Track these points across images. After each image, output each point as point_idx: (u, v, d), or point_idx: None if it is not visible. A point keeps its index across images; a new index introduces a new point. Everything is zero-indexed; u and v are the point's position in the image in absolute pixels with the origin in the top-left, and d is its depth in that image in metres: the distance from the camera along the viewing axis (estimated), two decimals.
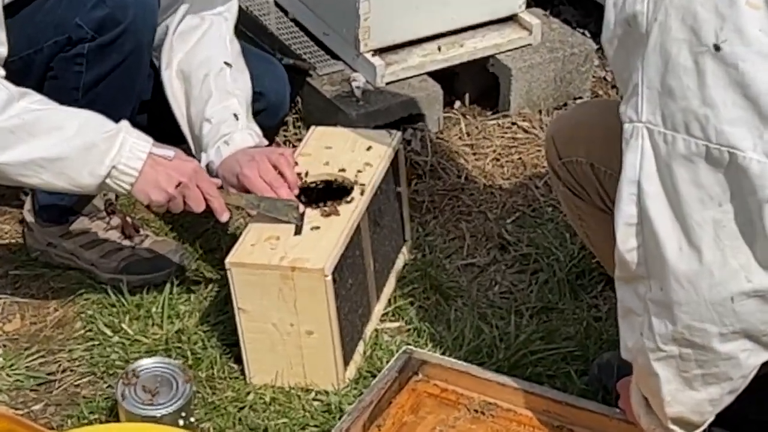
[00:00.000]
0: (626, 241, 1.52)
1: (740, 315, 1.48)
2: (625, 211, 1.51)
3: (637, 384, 1.69)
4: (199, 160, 2.18)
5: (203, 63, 2.26)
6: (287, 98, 2.48)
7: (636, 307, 1.57)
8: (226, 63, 2.26)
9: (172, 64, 2.27)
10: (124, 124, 2.01)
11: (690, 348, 1.53)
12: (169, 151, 2.03)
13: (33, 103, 1.95)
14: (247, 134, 2.20)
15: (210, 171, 2.16)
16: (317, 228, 2.06)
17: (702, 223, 1.45)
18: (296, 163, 2.20)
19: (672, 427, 1.65)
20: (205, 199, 2.06)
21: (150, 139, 2.02)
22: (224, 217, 2.09)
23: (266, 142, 2.23)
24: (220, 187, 2.11)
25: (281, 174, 2.13)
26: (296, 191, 2.14)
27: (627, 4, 1.46)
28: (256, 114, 2.31)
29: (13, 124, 1.92)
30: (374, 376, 2.07)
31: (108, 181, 1.97)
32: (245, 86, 2.28)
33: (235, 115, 2.20)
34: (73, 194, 2.12)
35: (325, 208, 2.11)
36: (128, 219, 2.42)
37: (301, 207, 2.11)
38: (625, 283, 1.58)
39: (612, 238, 1.54)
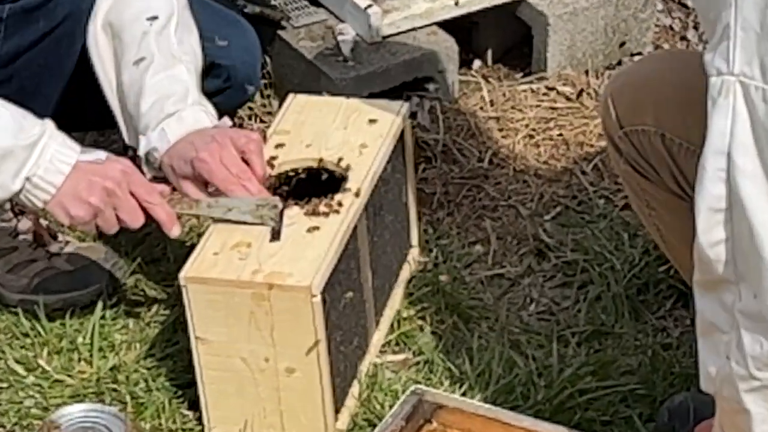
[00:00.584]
0: (710, 232, 1.52)
1: None
2: (710, 192, 1.50)
3: (722, 426, 1.69)
4: (135, 148, 2.18)
5: (139, 15, 2.24)
6: (258, 72, 2.47)
7: (721, 322, 1.57)
8: (169, 17, 2.25)
9: (98, 14, 2.26)
10: (49, 126, 2.01)
11: None
12: (100, 154, 2.03)
13: None
14: (201, 112, 2.19)
15: (151, 161, 2.16)
16: (304, 232, 2.06)
17: None
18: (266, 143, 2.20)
19: None
20: (144, 209, 2.06)
21: (77, 147, 2.02)
22: (174, 231, 2.09)
23: (229, 123, 2.22)
24: (173, 190, 2.11)
25: (247, 164, 2.12)
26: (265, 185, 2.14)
27: None
28: (215, 94, 2.30)
29: None
30: (373, 426, 2.06)
31: (20, 196, 2.00)
32: (194, 50, 2.27)
33: (186, 88, 2.20)
34: None
35: (311, 206, 2.11)
36: (42, 221, 2.43)
37: (279, 204, 2.11)
38: (707, 291, 1.57)
39: (691, 231, 1.54)
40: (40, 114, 2.06)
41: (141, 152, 2.15)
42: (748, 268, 1.51)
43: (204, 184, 2.12)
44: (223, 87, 2.36)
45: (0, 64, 2.13)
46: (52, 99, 2.04)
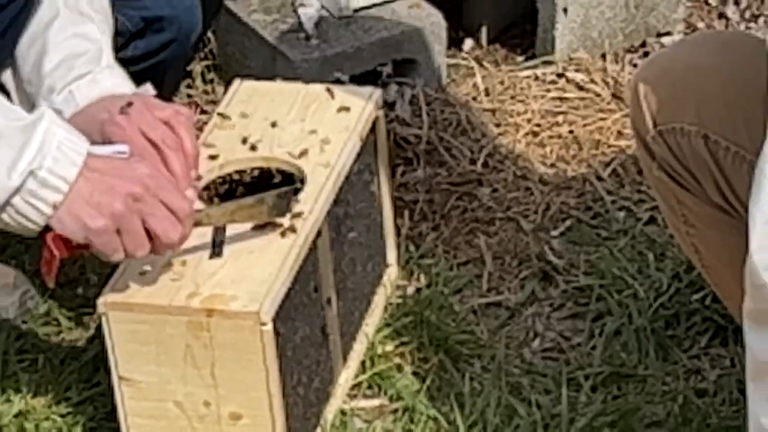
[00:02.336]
0: (767, 251, 1.53)
1: None
2: None
3: None
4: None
5: None
6: (199, 25, 2.45)
7: None
8: None
9: None
10: (45, 108, 1.95)
11: None
12: (119, 147, 1.99)
13: None
14: (119, 77, 2.18)
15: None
16: (251, 247, 2.06)
17: None
18: (199, 130, 2.20)
19: None
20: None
21: (82, 136, 1.95)
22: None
23: (152, 91, 2.21)
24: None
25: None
26: (196, 175, 2.13)
27: None
28: (154, 53, 2.30)
29: None
30: None
31: (16, 199, 1.90)
32: (106, 10, 2.26)
33: (99, 48, 2.20)
34: None
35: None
36: None
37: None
38: (760, 325, 1.58)
39: (738, 253, 1.55)
40: None
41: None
42: None
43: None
44: (163, 43, 2.35)
45: None
46: None
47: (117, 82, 2.15)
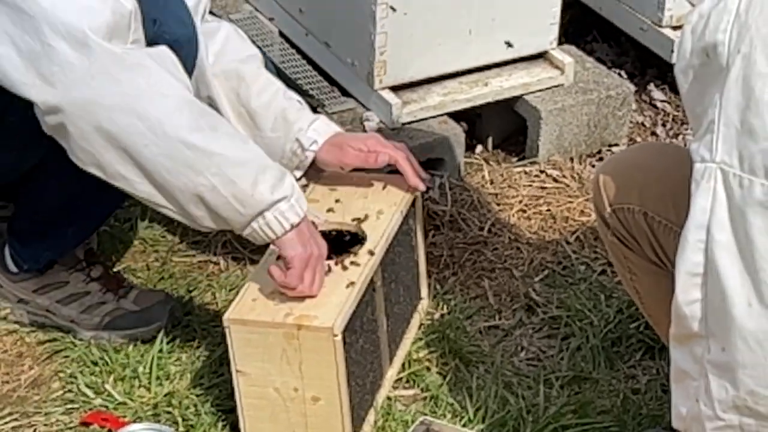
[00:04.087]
0: (687, 293, 1.51)
1: None
2: (690, 259, 1.50)
3: None
4: (282, 155, 2.19)
5: (243, 57, 2.23)
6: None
7: (692, 371, 1.56)
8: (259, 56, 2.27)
9: (207, 69, 2.19)
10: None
11: (752, 418, 1.51)
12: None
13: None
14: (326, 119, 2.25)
15: (301, 151, 2.18)
16: (330, 283, 2.04)
17: None
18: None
19: None
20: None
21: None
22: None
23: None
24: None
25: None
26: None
27: (707, 32, 1.46)
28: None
29: (202, 108, 1.90)
30: None
31: (268, 213, 1.92)
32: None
33: (299, 101, 2.23)
34: (200, 224, 1.97)
35: (339, 261, 2.10)
36: (111, 270, 2.41)
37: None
38: (680, 344, 1.57)
39: (664, 296, 1.54)
40: None
41: (306, 146, 2.18)
42: (718, 325, 1.50)
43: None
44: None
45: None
46: None
47: (329, 123, 2.24)
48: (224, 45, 2.22)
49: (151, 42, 1.92)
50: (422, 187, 2.25)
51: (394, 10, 2.65)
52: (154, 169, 1.86)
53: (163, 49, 1.91)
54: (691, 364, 1.55)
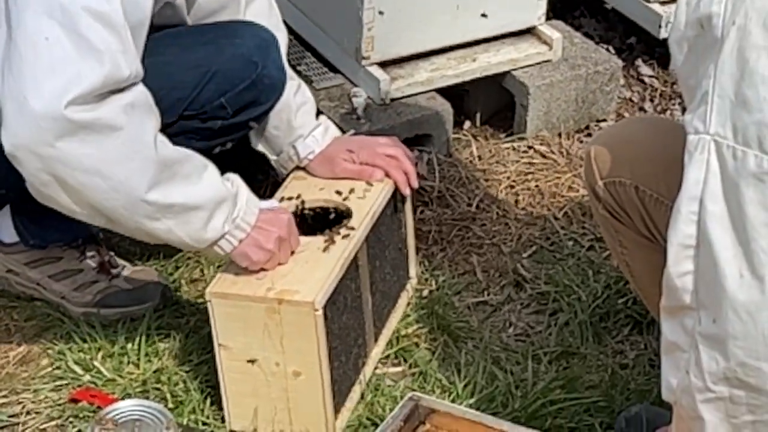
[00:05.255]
0: (679, 264, 1.51)
1: None
2: (683, 230, 1.50)
3: None
4: (278, 153, 2.25)
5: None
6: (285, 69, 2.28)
7: (682, 343, 1.55)
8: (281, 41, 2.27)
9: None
10: (237, 176, 2.02)
11: (742, 389, 1.51)
12: (273, 202, 2.07)
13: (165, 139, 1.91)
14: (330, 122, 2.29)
15: (297, 159, 2.23)
16: (311, 258, 2.05)
17: None
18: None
19: None
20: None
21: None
22: None
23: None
24: None
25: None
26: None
27: (702, 3, 1.46)
28: (248, 106, 2.19)
29: (167, 156, 1.88)
30: (376, 425, 2.06)
31: (220, 241, 1.98)
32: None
33: (308, 102, 2.27)
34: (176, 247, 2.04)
35: (325, 237, 2.10)
36: (105, 251, 2.40)
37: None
38: (671, 316, 1.56)
39: (654, 269, 1.53)
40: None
41: (302, 154, 2.25)
42: (709, 296, 1.50)
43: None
44: (256, 94, 2.22)
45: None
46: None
47: (334, 127, 2.29)
48: (256, 19, 2.25)
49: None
50: (409, 193, 2.31)
51: None
52: (112, 215, 1.88)
53: (141, 92, 1.86)
54: (681, 336, 1.55)
